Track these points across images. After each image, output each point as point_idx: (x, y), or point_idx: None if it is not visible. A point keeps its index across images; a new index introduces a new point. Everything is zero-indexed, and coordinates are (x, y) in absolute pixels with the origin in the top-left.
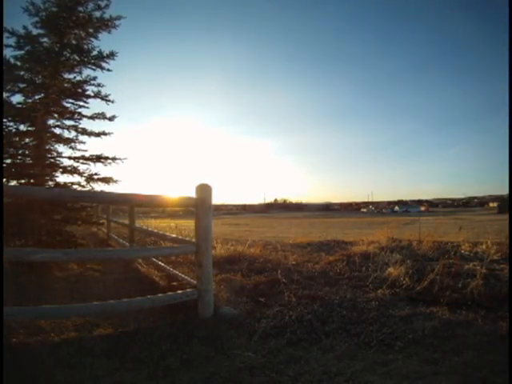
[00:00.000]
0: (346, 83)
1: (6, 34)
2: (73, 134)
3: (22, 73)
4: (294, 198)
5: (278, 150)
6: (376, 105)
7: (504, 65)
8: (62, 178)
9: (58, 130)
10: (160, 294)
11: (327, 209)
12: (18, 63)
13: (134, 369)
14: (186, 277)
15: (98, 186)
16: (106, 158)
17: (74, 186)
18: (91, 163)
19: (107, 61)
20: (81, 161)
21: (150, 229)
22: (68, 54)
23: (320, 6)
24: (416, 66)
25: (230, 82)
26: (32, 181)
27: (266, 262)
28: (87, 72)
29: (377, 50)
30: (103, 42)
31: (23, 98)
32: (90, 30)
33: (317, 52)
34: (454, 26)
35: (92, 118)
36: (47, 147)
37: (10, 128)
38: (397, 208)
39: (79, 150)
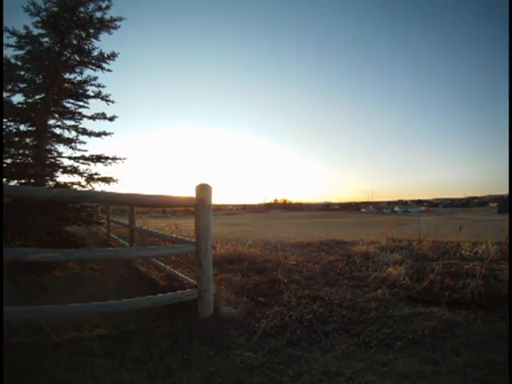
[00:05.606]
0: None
1: (6, 34)
2: (73, 134)
3: (22, 73)
4: (293, 198)
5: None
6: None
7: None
8: (62, 178)
9: (58, 130)
10: (160, 294)
11: (327, 209)
12: (19, 63)
13: (134, 369)
14: (185, 277)
15: (98, 186)
16: (106, 158)
17: (74, 186)
18: (91, 163)
19: (108, 61)
20: (81, 161)
21: (149, 229)
22: (69, 55)
23: None
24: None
25: (231, 80)
26: (32, 181)
27: (265, 261)
28: (88, 72)
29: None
30: (104, 43)
31: (24, 97)
32: (91, 31)
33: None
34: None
35: (92, 118)
36: (47, 147)
37: (10, 128)
38: (397, 208)
39: (79, 150)
